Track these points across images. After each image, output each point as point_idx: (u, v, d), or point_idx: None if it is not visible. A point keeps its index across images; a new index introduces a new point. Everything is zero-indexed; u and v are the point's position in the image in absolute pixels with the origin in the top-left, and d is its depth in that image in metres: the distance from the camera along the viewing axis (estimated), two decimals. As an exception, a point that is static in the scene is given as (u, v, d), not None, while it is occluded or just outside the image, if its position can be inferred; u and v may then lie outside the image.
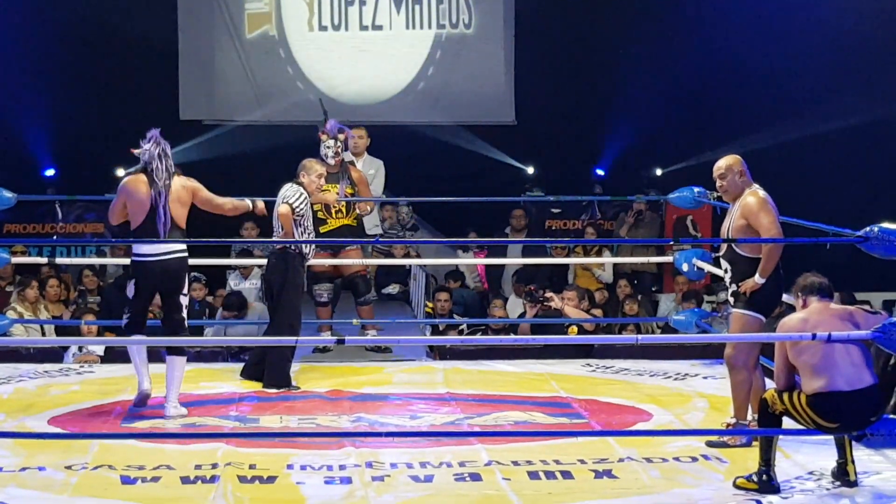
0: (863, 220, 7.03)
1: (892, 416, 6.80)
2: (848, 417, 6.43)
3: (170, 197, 8.22)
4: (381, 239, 10.58)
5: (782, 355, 6.66)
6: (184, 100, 16.90)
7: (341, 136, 10.38)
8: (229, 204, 8.65)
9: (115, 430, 7.88)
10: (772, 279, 7.51)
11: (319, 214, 10.19)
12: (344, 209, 10.36)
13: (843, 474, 6.58)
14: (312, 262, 9.68)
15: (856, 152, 16.59)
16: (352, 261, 10.45)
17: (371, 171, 10.99)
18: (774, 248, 7.42)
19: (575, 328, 11.09)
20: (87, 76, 16.47)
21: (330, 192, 10.10)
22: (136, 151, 8.49)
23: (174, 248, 8.17)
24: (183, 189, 8.34)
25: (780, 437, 7.36)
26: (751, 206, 7.47)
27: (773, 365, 6.83)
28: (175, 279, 8.23)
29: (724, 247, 7.71)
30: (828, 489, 6.54)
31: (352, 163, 10.71)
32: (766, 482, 6.44)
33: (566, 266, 14.90)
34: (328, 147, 10.28)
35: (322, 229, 10.21)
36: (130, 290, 8.28)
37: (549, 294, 11.65)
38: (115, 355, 10.59)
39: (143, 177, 8.30)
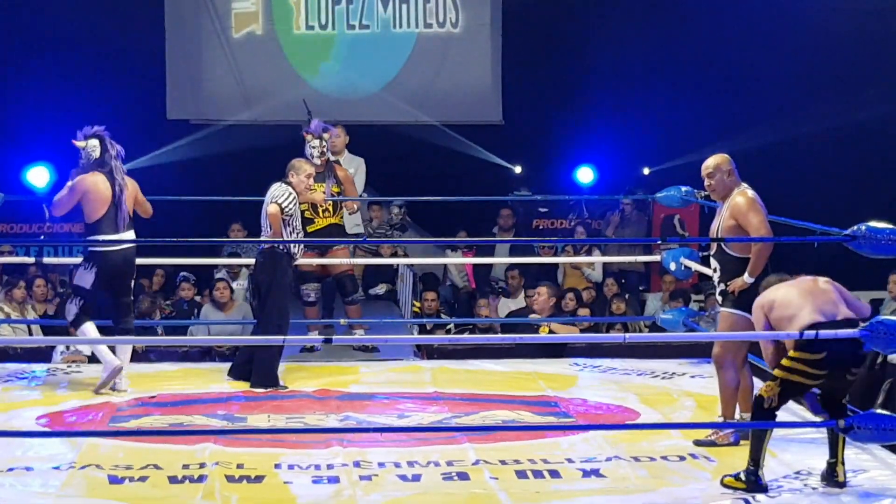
0: (850, 218, 7.04)
1: (880, 411, 6.82)
2: (833, 345, 6.45)
3: (125, 193, 9.11)
4: (367, 238, 10.56)
5: (761, 321, 6.76)
6: (171, 99, 16.87)
7: (326, 136, 10.38)
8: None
9: (102, 429, 7.87)
10: (760, 279, 7.52)
11: (307, 214, 10.19)
12: (331, 208, 10.36)
13: (833, 475, 6.57)
14: (300, 261, 9.68)
15: (843, 152, 16.64)
16: (339, 260, 10.45)
17: (351, 169, 10.98)
18: (763, 248, 7.44)
19: (547, 327, 11.06)
20: (74, 75, 16.43)
21: (318, 192, 10.10)
22: (80, 144, 9.32)
23: (131, 238, 9.04)
24: (133, 186, 9.31)
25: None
26: (740, 205, 7.48)
27: (762, 363, 6.84)
28: (132, 265, 9.13)
29: (713, 246, 7.72)
30: (815, 488, 6.55)
31: (337, 162, 10.70)
32: (755, 481, 6.45)
33: (556, 265, 14.92)
34: (314, 147, 10.29)
35: (309, 229, 10.21)
36: (88, 280, 8.88)
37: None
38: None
39: (100, 175, 9.10)
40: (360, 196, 11.21)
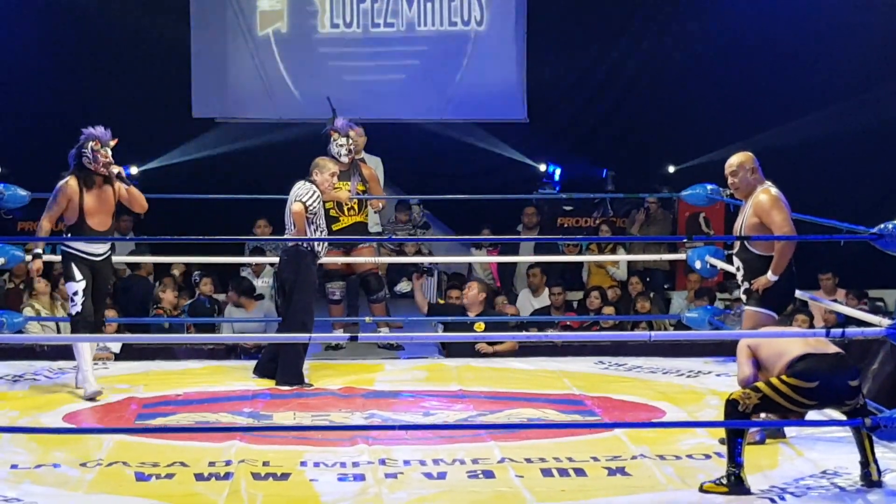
0: (877, 217, 7.03)
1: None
2: (825, 377, 6.43)
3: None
4: (392, 236, 10.60)
5: (745, 351, 6.74)
6: (196, 97, 16.92)
7: (352, 134, 10.40)
8: None
9: (129, 426, 7.91)
10: (784, 277, 7.52)
11: (332, 212, 10.22)
12: (356, 207, 10.39)
13: (867, 475, 6.54)
14: (325, 260, 9.70)
15: (870, 149, 16.56)
16: (364, 259, 10.48)
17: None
18: (787, 246, 7.43)
19: (482, 325, 11.00)
20: (100, 74, 16.49)
21: (343, 190, 10.12)
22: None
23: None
24: None
25: (794, 434, 7.41)
26: (763, 203, 7.47)
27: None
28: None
29: (736, 245, 7.71)
30: (841, 487, 6.53)
31: (362, 160, 10.71)
32: (737, 484, 6.39)
33: (580, 264, 14.91)
34: (340, 145, 10.31)
35: (334, 227, 10.24)
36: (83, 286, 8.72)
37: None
38: (130, 352, 10.62)
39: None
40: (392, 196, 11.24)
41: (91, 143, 8.72)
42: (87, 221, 8.71)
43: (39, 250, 8.84)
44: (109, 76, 16.51)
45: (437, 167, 15.98)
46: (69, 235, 8.74)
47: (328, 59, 16.97)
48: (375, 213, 10.70)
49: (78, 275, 8.69)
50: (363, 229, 10.51)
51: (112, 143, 8.78)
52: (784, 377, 6.48)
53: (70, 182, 8.71)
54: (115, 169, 8.80)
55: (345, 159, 10.28)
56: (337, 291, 10.61)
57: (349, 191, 10.29)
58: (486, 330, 10.79)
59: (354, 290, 11.18)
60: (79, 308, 8.70)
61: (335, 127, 10.37)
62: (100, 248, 8.82)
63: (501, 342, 10.68)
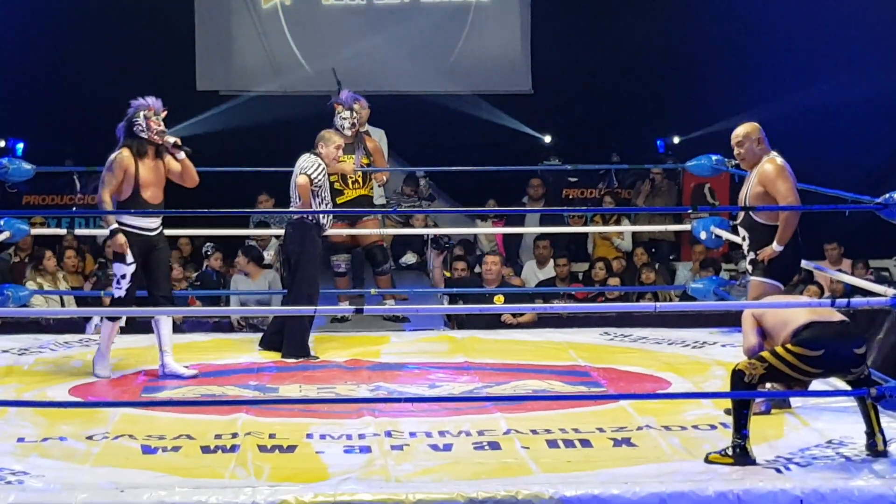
0: (882, 186, 7.02)
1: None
2: (830, 344, 6.43)
3: None
4: (396, 209, 10.61)
5: (750, 321, 6.73)
6: (200, 70, 16.91)
7: (356, 107, 10.39)
8: None
9: (135, 399, 7.92)
10: (790, 247, 7.52)
11: (336, 185, 10.22)
12: (361, 180, 10.39)
13: (873, 445, 6.54)
14: (330, 232, 9.70)
15: (876, 119, 16.53)
16: (368, 231, 10.48)
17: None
18: (792, 216, 7.43)
19: (501, 297, 11.03)
20: (103, 47, 16.46)
21: (347, 163, 10.11)
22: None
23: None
24: None
25: (799, 404, 7.41)
26: (768, 173, 7.47)
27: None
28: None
29: (741, 215, 7.71)
30: (846, 457, 6.53)
31: (367, 133, 10.70)
32: (742, 455, 6.38)
33: (585, 235, 14.91)
34: (344, 118, 10.31)
35: (339, 200, 10.24)
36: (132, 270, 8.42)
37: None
38: (136, 326, 10.62)
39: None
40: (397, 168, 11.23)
41: (143, 112, 8.41)
42: (141, 194, 8.37)
43: (113, 226, 8.30)
44: (113, 49, 16.48)
45: (442, 139, 15.96)
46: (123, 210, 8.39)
47: (332, 32, 16.93)
48: (379, 186, 10.67)
49: (129, 257, 8.33)
50: (368, 202, 10.51)
51: (163, 113, 8.50)
52: (789, 346, 6.47)
53: (124, 153, 8.37)
54: (172, 139, 8.49)
55: (348, 132, 10.26)
56: (342, 264, 10.61)
57: (353, 164, 10.28)
58: (505, 302, 10.82)
59: (360, 262, 11.19)
60: (122, 293, 8.39)
61: (339, 99, 10.36)
62: (154, 223, 8.45)
63: (521, 314, 10.72)
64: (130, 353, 9.30)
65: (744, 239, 7.70)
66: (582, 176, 16.31)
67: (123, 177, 8.33)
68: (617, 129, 17.03)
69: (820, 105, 16.27)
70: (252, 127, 16.37)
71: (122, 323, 10.23)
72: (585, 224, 14.84)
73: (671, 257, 15.37)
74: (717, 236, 10.15)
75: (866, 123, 16.55)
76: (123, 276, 8.36)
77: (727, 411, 7.22)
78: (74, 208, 15.57)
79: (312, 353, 9.14)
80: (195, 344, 9.75)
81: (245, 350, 9.38)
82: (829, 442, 6.79)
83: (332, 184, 10.07)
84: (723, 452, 6.42)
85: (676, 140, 16.96)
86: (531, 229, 13.99)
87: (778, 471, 6.28)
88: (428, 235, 13.30)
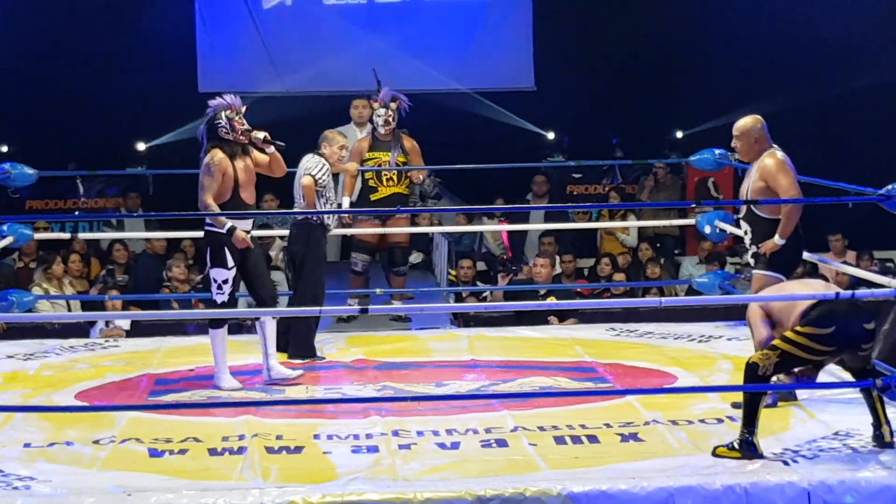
0: (885, 178, 7.01)
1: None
2: (840, 321, 6.40)
3: None
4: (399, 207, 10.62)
5: (757, 313, 6.73)
6: (202, 72, 16.89)
7: (393, 105, 10.47)
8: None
9: (141, 403, 7.92)
10: (792, 240, 7.52)
11: (371, 182, 10.37)
12: (395, 177, 10.45)
13: (880, 437, 6.54)
14: (355, 231, 9.89)
15: (878, 111, 16.52)
16: (371, 230, 10.50)
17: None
18: (793, 209, 7.43)
19: (554, 297, 11.08)
20: (106, 51, 16.47)
21: (352, 163, 10.14)
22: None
23: None
24: None
25: (805, 397, 7.41)
26: (769, 167, 7.47)
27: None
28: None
29: (743, 209, 7.71)
30: (853, 448, 6.53)
31: (405, 131, 10.72)
32: (749, 448, 6.37)
33: (592, 231, 14.91)
34: (378, 116, 10.43)
35: (372, 197, 10.37)
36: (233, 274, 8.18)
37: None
38: (141, 329, 10.64)
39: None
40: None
41: (225, 112, 8.15)
42: (240, 195, 8.11)
43: (229, 225, 8.00)
44: (114, 53, 16.48)
45: (445, 137, 15.92)
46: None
47: (334, 31, 16.92)
48: (416, 184, 10.72)
49: (230, 261, 8.10)
50: (402, 200, 10.54)
51: (244, 109, 8.25)
52: (799, 328, 6.45)
53: (220, 155, 8.06)
54: (261, 134, 8.26)
55: (382, 130, 10.38)
56: (359, 262, 10.64)
57: (388, 162, 10.36)
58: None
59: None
60: (224, 298, 8.17)
61: (376, 97, 10.50)
62: (249, 224, 8.22)
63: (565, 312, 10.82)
64: (136, 356, 9.31)
65: (746, 233, 7.70)
66: (586, 172, 16.30)
67: (223, 179, 8.08)
68: (620, 125, 17.03)
69: (821, 98, 16.27)
70: (255, 127, 16.32)
71: (127, 326, 10.25)
72: (590, 220, 14.84)
73: (676, 252, 15.36)
74: (722, 230, 10.15)
75: (869, 115, 16.53)
76: (225, 281, 8.14)
77: (734, 405, 7.22)
78: (77, 212, 15.57)
79: (319, 353, 9.14)
80: (200, 346, 9.72)
81: (251, 351, 9.36)
82: (836, 434, 6.79)
83: (366, 181, 10.26)
84: (730, 446, 6.42)
85: (680, 134, 16.94)
86: (536, 226, 13.99)
87: (785, 463, 6.29)
88: (433, 234, 13.27)
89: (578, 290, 12.93)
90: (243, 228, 8.13)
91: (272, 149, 8.33)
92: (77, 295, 12.53)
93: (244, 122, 8.20)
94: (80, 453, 6.72)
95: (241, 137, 8.17)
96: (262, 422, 7.19)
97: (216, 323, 8.18)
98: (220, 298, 8.19)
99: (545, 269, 11.53)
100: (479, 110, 16.82)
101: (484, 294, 12.57)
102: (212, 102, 8.23)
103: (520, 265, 12.77)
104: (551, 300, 10.92)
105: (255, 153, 8.29)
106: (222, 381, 8.16)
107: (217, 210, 8.00)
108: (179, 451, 6.74)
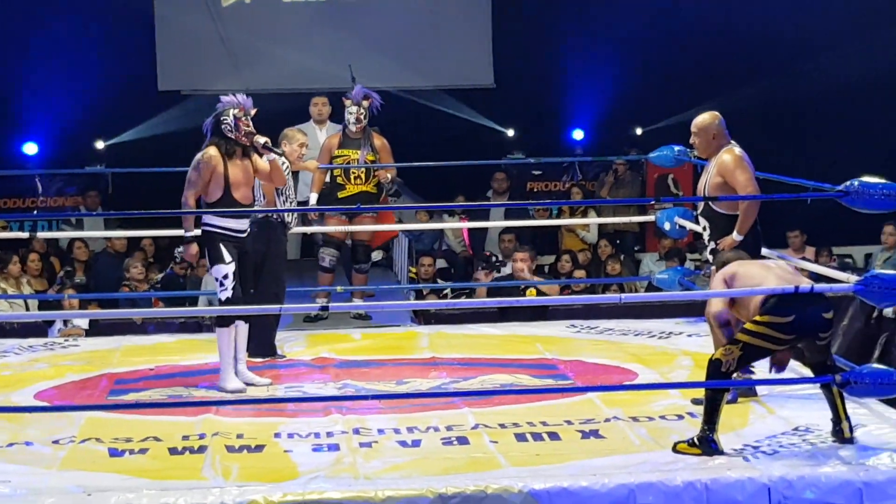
0: (844, 174, 7.04)
1: (876, 365, 6.84)
2: (801, 309, 6.42)
3: None
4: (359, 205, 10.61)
5: (720, 287, 6.73)
6: (162, 70, 16.83)
7: (365, 103, 10.46)
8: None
9: (101, 402, 7.88)
10: (750, 236, 7.55)
11: (339, 180, 10.39)
12: (363, 175, 10.44)
13: (839, 432, 6.57)
14: (317, 229, 9.89)
15: (836, 108, 16.61)
16: (334, 228, 10.50)
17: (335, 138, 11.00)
18: (751, 206, 7.46)
19: (534, 290, 11.10)
20: (63, 48, 16.39)
21: (312, 161, 10.13)
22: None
23: None
24: None
25: (765, 392, 7.44)
26: (726, 163, 7.50)
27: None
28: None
29: (701, 205, 7.74)
30: (813, 444, 6.56)
31: (376, 130, 10.71)
32: (709, 445, 6.39)
33: (553, 228, 14.92)
34: (350, 113, 10.43)
35: (340, 194, 10.37)
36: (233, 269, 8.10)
37: (521, 267, 11.61)
38: (100, 328, 10.58)
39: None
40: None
41: (233, 111, 8.06)
42: (232, 195, 8.03)
43: (193, 232, 8.01)
44: (73, 50, 16.41)
45: (405, 134, 15.91)
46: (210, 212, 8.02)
47: (293, 28, 16.88)
48: (384, 183, 10.67)
49: (227, 256, 7.99)
50: (370, 198, 10.52)
51: (253, 112, 8.18)
52: (758, 318, 6.46)
53: (211, 152, 8.00)
54: (262, 139, 8.16)
55: (353, 127, 10.38)
56: (327, 258, 10.62)
57: (357, 159, 10.36)
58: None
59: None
60: (229, 293, 8.03)
61: (348, 95, 10.47)
62: (245, 224, 8.14)
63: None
64: (95, 355, 9.27)
65: (704, 229, 7.73)
66: (546, 169, 16.32)
67: (211, 177, 8.00)
68: (580, 122, 17.06)
69: (779, 95, 16.35)
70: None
71: (85, 325, 10.18)
72: (550, 217, 14.86)
73: (636, 248, 15.40)
74: (681, 227, 10.17)
75: (826, 111, 16.63)
76: (226, 277, 8.02)
77: (695, 401, 7.24)
78: (36, 211, 15.49)
79: (279, 351, 9.13)
80: (161, 345, 9.71)
81: (211, 350, 9.32)
82: (796, 429, 6.82)
83: (334, 178, 10.25)
84: (690, 442, 6.44)
85: (639, 131, 16.98)
86: (496, 223, 14.00)
87: (745, 459, 6.31)
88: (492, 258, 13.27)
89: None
90: (239, 228, 8.10)
91: (272, 156, 8.28)
92: (35, 294, 12.46)
93: (250, 123, 8.15)
94: (39, 453, 6.69)
95: (243, 138, 8.11)
96: (223, 421, 7.17)
97: (223, 321, 8.10)
98: (224, 295, 8.08)
99: (525, 264, 11.51)
100: (438, 107, 16.81)
101: (444, 291, 12.58)
102: (224, 98, 8.19)
103: (503, 262, 12.78)
104: (531, 293, 10.94)
105: (257, 160, 8.24)
106: (227, 383, 8.06)
107: (193, 209, 7.99)
108: (140, 451, 6.72)
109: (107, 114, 16.18)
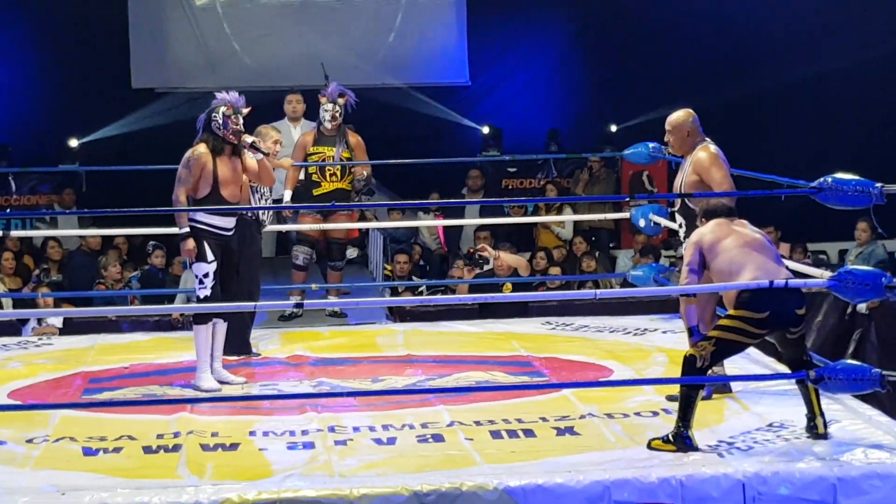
0: (817, 171, 7.06)
1: (850, 361, 6.87)
2: (775, 305, 6.44)
3: None
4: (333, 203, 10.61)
5: (691, 256, 6.75)
6: (135, 68, 16.78)
7: (340, 100, 10.46)
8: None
9: (75, 401, 7.85)
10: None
11: (314, 177, 10.40)
12: (338, 173, 10.45)
13: (813, 428, 6.58)
14: (292, 227, 9.93)
15: (810, 104, 16.66)
16: (312, 226, 10.50)
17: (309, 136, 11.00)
18: (730, 202, 7.46)
19: (510, 286, 11.10)
20: (37, 46, 16.34)
21: (286, 158, 10.12)
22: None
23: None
24: None
25: (740, 389, 7.45)
26: (702, 161, 7.50)
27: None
28: None
29: (677, 202, 7.75)
30: (787, 440, 6.57)
31: (351, 127, 10.71)
32: (684, 441, 6.39)
33: (528, 225, 14.93)
34: (325, 110, 10.45)
35: (315, 192, 10.39)
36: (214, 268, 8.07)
37: (481, 246, 11.60)
38: (75, 327, 10.55)
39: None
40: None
41: (223, 109, 8.03)
42: (221, 192, 8.01)
43: (186, 229, 7.91)
44: (47, 47, 16.36)
45: (381, 132, 15.92)
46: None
47: (267, 27, 16.85)
48: (359, 179, 10.65)
49: (210, 255, 7.95)
50: (345, 196, 10.51)
51: (245, 111, 8.13)
52: (733, 312, 6.48)
53: (201, 149, 8.01)
54: (249, 138, 8.14)
55: (328, 125, 10.38)
56: (301, 256, 10.62)
57: (332, 157, 10.36)
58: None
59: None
60: (208, 292, 7.98)
61: (324, 92, 10.46)
62: (231, 222, 8.10)
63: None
64: (69, 354, 9.24)
65: (680, 226, 7.74)
66: (521, 166, 16.33)
67: (201, 174, 8.00)
68: (555, 119, 17.08)
69: (753, 91, 16.40)
70: (189, 123, 16.23)
71: (59, 324, 10.14)
72: (525, 214, 14.87)
73: (611, 245, 15.42)
74: (656, 223, 10.18)
75: (804, 108, 16.68)
76: (206, 275, 7.99)
77: (669, 397, 7.25)
78: (10, 209, 15.43)
79: (254, 349, 9.11)
80: (135, 344, 9.69)
81: (186, 348, 9.31)
82: (770, 425, 6.84)
83: (309, 176, 10.22)
84: (665, 439, 6.44)
85: (614, 128, 17.01)
86: (471, 221, 14.00)
87: (720, 455, 6.32)
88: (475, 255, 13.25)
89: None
90: (225, 226, 8.07)
91: (260, 155, 8.27)
92: (9, 293, 12.41)
93: (240, 122, 8.12)
94: (13, 452, 6.66)
95: (231, 136, 8.08)
96: (198, 419, 7.16)
97: (200, 318, 8.07)
98: (202, 293, 8.05)
99: (487, 242, 11.50)
100: (413, 105, 16.81)
101: (420, 289, 12.57)
102: (218, 95, 8.17)
103: (487, 260, 12.76)
104: (507, 289, 10.93)
105: (248, 158, 8.23)
106: (202, 381, 8.02)
107: (185, 207, 7.97)
108: (114, 450, 6.70)
109: (81, 112, 16.13)
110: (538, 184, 16.13)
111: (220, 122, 8.07)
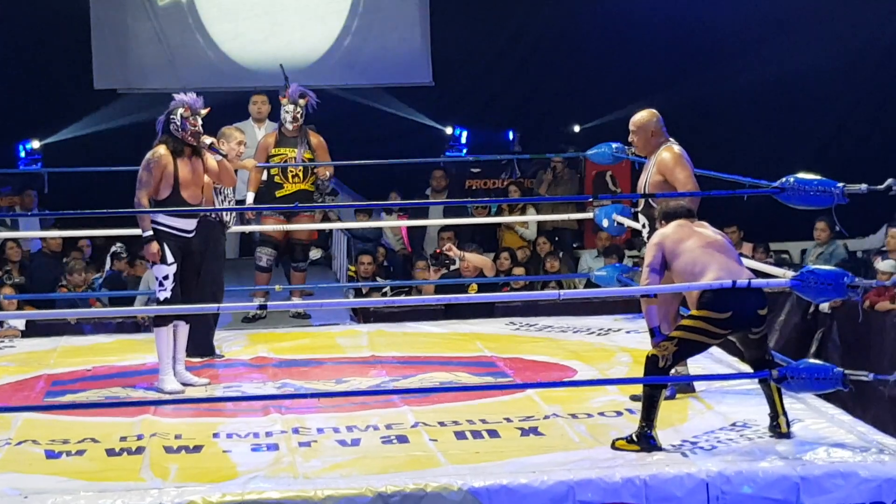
0: (779, 171, 7.09)
1: (812, 360, 6.90)
2: (737, 305, 6.47)
3: None
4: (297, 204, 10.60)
5: (651, 257, 6.78)
6: (98, 69, 16.72)
7: (302, 101, 10.44)
8: None
9: (37, 403, 7.81)
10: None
11: (276, 179, 10.37)
12: (301, 174, 10.43)
13: (776, 427, 6.61)
14: (256, 228, 9.95)
15: (772, 105, 16.74)
16: (273, 227, 10.48)
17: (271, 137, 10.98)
18: (691, 203, 7.48)
19: (475, 286, 11.12)
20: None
21: (250, 160, 10.10)
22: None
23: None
24: None
25: (703, 388, 7.48)
26: (666, 161, 7.52)
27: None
28: None
29: (641, 202, 7.77)
30: (751, 439, 6.60)
31: (312, 127, 10.69)
32: (648, 441, 6.42)
33: (492, 226, 14.94)
34: (287, 111, 10.42)
35: (278, 193, 10.36)
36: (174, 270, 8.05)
37: (448, 246, 11.62)
38: (37, 329, 10.49)
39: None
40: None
41: (180, 111, 7.99)
42: (181, 194, 7.98)
43: (149, 232, 7.89)
44: (7, 48, 16.27)
45: (344, 133, 15.91)
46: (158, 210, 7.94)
47: (229, 28, 16.82)
48: (322, 181, 10.63)
49: (170, 257, 7.93)
50: (307, 197, 10.49)
51: (203, 112, 8.09)
52: (695, 313, 6.50)
53: (160, 151, 7.96)
54: (208, 140, 8.12)
55: (290, 126, 10.35)
56: (264, 258, 10.60)
57: (294, 158, 10.34)
58: None
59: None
60: (168, 294, 7.96)
61: (284, 93, 10.44)
62: (192, 224, 8.07)
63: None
64: (32, 356, 9.20)
65: (644, 226, 7.76)
66: (484, 166, 16.33)
67: (161, 176, 7.97)
68: (518, 119, 17.10)
69: (715, 91, 16.46)
70: (153, 124, 16.18)
71: (22, 326, 10.08)
72: (489, 214, 14.88)
73: (575, 245, 15.44)
74: (619, 224, 10.21)
75: (760, 109, 16.76)
76: (166, 277, 7.96)
77: (633, 397, 7.27)
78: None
79: (218, 351, 9.09)
80: (98, 346, 9.65)
81: (149, 350, 9.27)
82: (734, 425, 6.86)
83: (272, 177, 10.20)
84: (629, 439, 6.46)
85: (577, 128, 17.04)
86: (435, 221, 14.01)
87: (684, 455, 6.34)
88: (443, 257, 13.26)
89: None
90: (186, 227, 8.04)
91: (219, 156, 8.24)
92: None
93: (198, 123, 8.08)
94: (-26, 456, 6.63)
95: (189, 138, 8.05)
96: (161, 421, 7.13)
97: (160, 320, 8.04)
98: (162, 295, 8.02)
99: (452, 242, 11.51)
100: (377, 105, 16.80)
101: (384, 289, 12.56)
102: (176, 96, 8.14)
103: (454, 260, 12.77)
104: (472, 290, 10.95)
105: (209, 159, 8.20)
106: (165, 384, 7.99)
107: (148, 208, 7.94)
108: (77, 452, 6.67)
109: (42, 112, 16.06)
110: (502, 184, 16.14)
111: (179, 123, 8.05)
